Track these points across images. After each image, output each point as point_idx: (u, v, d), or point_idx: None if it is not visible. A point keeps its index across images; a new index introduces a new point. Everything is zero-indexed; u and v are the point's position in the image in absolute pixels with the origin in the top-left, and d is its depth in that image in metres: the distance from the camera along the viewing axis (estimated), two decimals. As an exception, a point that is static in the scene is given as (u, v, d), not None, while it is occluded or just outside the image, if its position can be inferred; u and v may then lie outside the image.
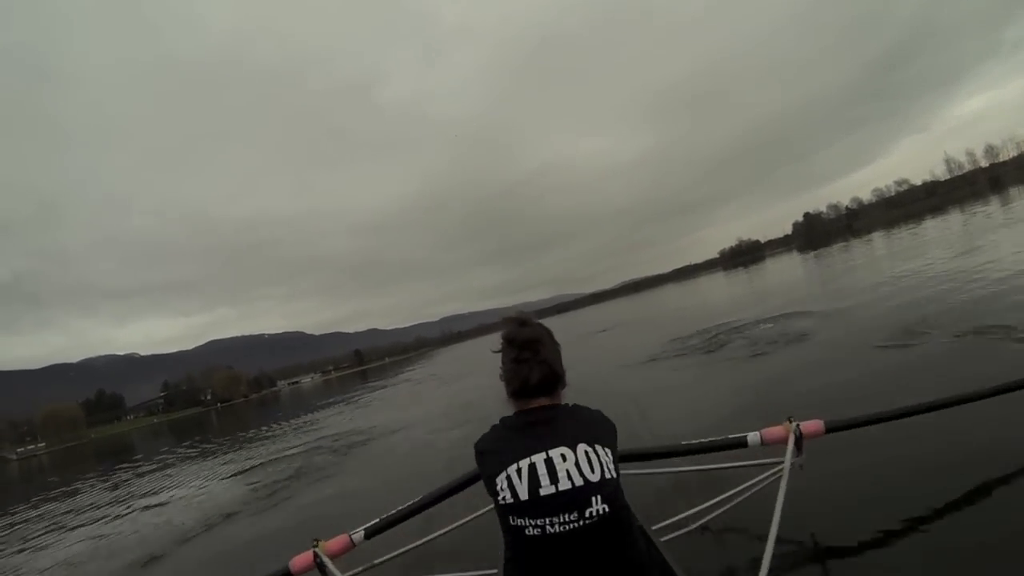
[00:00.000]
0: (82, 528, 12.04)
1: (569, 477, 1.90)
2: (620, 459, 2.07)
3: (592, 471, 1.91)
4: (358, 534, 3.23)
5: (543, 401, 2.10)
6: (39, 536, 12.26)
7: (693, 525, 3.54)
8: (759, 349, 11.12)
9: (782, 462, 3.08)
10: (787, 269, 42.33)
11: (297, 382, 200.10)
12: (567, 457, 1.92)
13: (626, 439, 2.19)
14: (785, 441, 3.11)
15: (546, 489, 1.89)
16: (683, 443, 3.36)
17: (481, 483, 2.20)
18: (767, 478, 3.27)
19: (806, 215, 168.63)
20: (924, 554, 3.13)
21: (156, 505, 12.30)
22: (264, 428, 27.12)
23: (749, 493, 3.37)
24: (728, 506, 3.48)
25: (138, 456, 29.69)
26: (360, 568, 3.35)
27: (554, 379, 2.11)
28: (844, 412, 3.46)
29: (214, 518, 9.25)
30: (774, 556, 2.41)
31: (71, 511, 14.76)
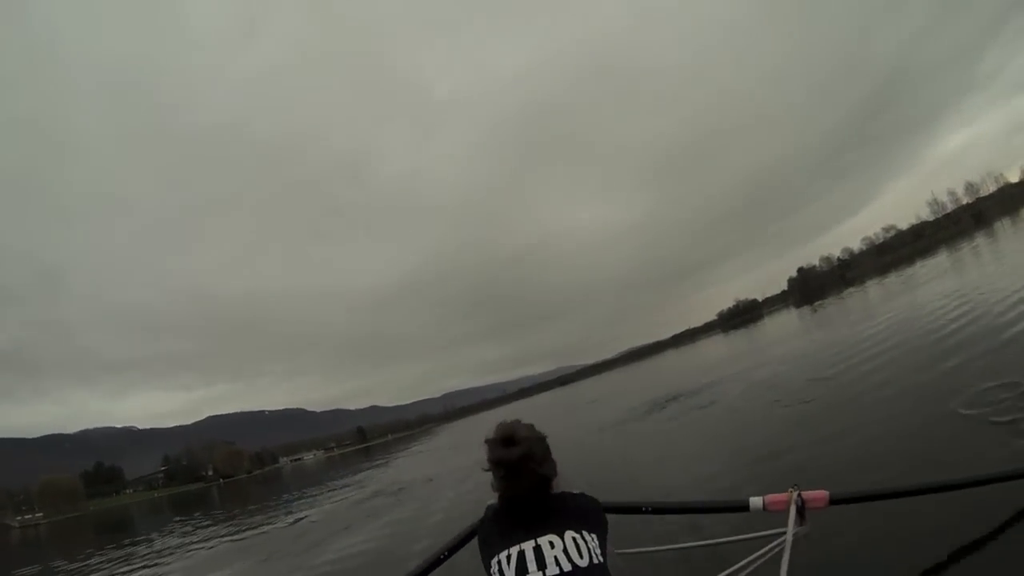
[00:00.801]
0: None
1: (557, 563, 1.99)
2: (617, 510, 2.30)
3: (580, 556, 2.00)
4: None
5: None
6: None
7: None
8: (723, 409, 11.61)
9: (784, 532, 2.98)
10: (783, 325, 43.36)
11: (300, 459, 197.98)
12: (555, 544, 2.03)
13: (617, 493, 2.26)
14: (786, 509, 3.05)
15: (533, 574, 1.99)
16: (682, 501, 3.54)
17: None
18: (770, 550, 3.09)
19: (800, 270, 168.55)
20: None
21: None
22: (272, 503, 27.95)
23: (754, 567, 3.16)
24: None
25: (144, 531, 30.37)
26: None
27: (545, 486, 2.19)
28: (848, 484, 3.67)
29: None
30: None
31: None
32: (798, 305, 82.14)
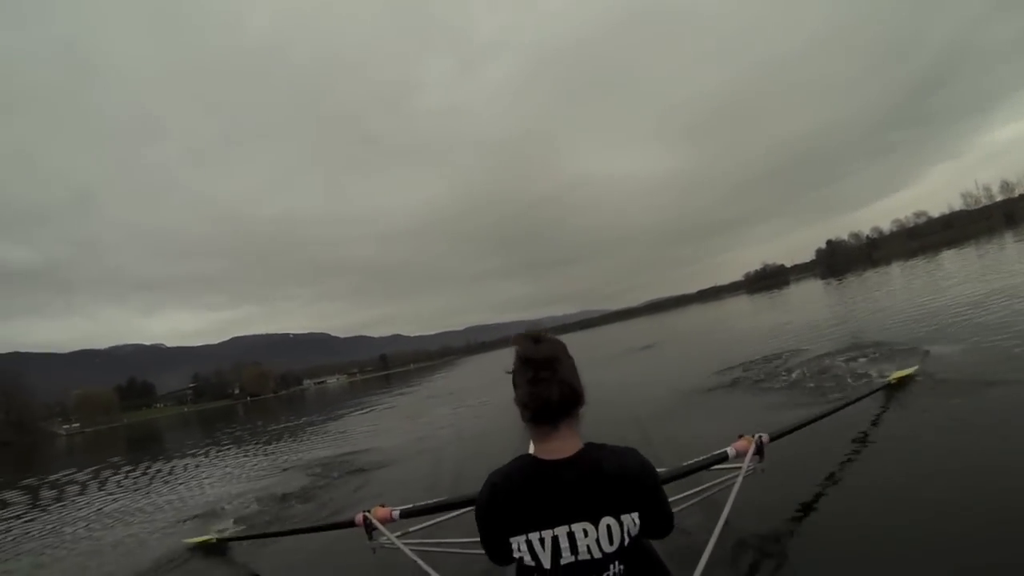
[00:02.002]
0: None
1: (589, 551, 1.93)
2: None
3: (611, 543, 1.94)
4: (397, 511, 4.05)
5: (563, 431, 2.02)
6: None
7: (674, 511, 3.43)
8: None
9: (740, 467, 3.64)
10: (807, 294, 43.88)
11: (323, 382, 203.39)
12: (588, 532, 1.93)
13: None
14: (747, 451, 3.77)
15: (567, 559, 1.94)
16: (684, 464, 3.88)
17: None
18: (730, 479, 3.72)
19: (828, 242, 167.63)
20: (845, 534, 4.10)
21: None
22: (296, 418, 30.16)
23: (712, 492, 3.87)
24: (698, 499, 3.89)
25: (181, 441, 31.81)
26: (398, 533, 3.82)
27: (575, 399, 2.03)
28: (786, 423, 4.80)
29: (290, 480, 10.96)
30: (717, 544, 2.68)
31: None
32: (823, 277, 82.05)
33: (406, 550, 3.38)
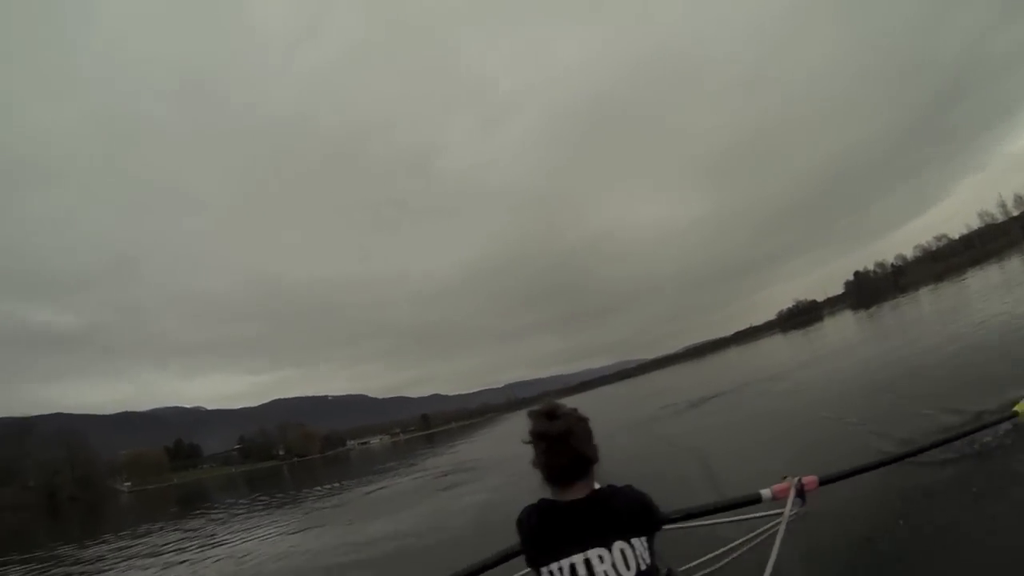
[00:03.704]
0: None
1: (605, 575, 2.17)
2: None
3: (627, 568, 2.18)
4: None
5: (579, 489, 2.31)
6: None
7: (711, 567, 3.79)
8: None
9: (781, 512, 3.44)
10: (840, 329, 44.56)
11: (367, 442, 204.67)
12: (604, 559, 2.17)
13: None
14: (788, 495, 3.47)
15: None
16: (711, 503, 3.66)
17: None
18: (770, 528, 3.56)
19: (856, 274, 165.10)
20: None
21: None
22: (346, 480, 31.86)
23: (754, 543, 3.66)
24: (738, 552, 3.74)
25: (233, 500, 33.56)
26: None
27: (587, 464, 2.31)
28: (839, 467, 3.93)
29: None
30: None
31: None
32: (854, 308, 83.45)
33: None
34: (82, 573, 14.93)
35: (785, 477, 3.55)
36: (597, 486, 2.41)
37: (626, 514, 2.30)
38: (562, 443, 2.27)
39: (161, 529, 22.49)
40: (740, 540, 3.76)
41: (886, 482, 5.66)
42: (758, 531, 3.69)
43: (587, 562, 2.19)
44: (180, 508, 33.67)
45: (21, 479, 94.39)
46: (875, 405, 10.86)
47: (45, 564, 17.19)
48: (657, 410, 25.49)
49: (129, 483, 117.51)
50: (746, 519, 3.78)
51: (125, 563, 14.77)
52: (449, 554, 9.61)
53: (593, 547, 2.21)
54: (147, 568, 13.57)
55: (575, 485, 2.33)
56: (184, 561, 13.97)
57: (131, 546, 18.41)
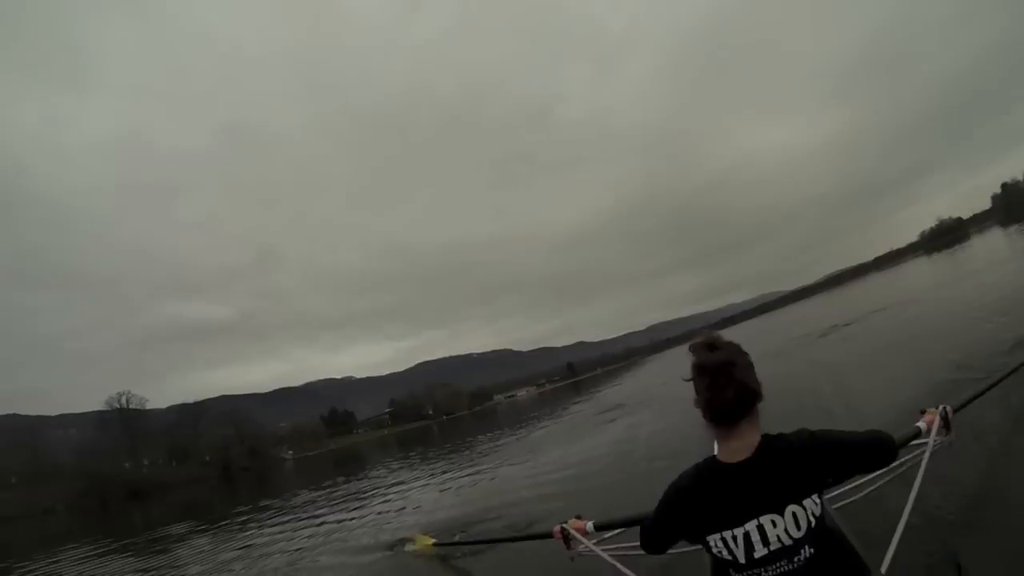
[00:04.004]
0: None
1: (780, 540, 2.13)
2: None
3: (799, 529, 2.13)
4: (590, 524, 4.13)
5: (745, 434, 2.20)
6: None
7: (861, 493, 3.78)
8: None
9: (927, 442, 3.40)
10: (990, 249, 43.01)
11: (513, 395, 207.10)
12: (776, 523, 2.12)
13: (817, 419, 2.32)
14: (933, 426, 3.47)
15: (760, 551, 2.15)
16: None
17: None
18: (915, 458, 3.51)
19: (1003, 186, 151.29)
20: None
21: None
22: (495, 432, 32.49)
23: (900, 471, 3.65)
24: (881, 482, 3.74)
25: (391, 461, 34.11)
26: (594, 541, 3.99)
27: (751, 397, 2.18)
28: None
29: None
30: (907, 523, 2.70)
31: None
32: (1004, 224, 79.60)
33: (605, 556, 3.63)
34: (290, 519, 16.32)
35: (924, 411, 3.58)
36: (762, 433, 2.27)
37: (800, 465, 2.18)
38: (726, 375, 2.14)
39: (332, 485, 24.28)
40: (883, 470, 3.32)
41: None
42: (900, 461, 3.55)
43: (760, 528, 2.14)
44: (340, 469, 35.27)
45: (199, 456, 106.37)
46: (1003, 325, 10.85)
47: (231, 523, 19.03)
48: (794, 340, 25.76)
49: (291, 452, 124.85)
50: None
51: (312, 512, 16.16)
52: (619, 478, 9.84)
53: (766, 513, 2.14)
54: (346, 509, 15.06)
55: (740, 427, 2.20)
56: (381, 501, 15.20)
57: (312, 499, 20.26)
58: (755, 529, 2.14)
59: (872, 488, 3.75)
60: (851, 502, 3.70)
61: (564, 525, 4.25)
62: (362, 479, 23.48)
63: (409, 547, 8.40)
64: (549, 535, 4.46)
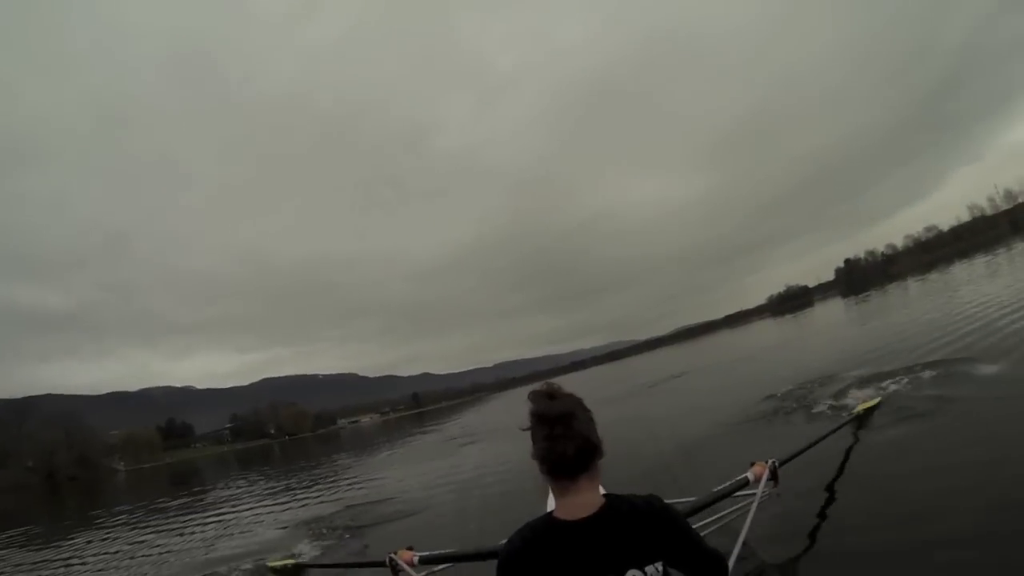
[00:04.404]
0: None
1: None
2: None
3: None
4: (417, 556, 4.35)
5: (584, 491, 2.00)
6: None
7: None
8: None
9: (755, 493, 3.79)
10: (828, 316, 45.73)
11: (357, 421, 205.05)
12: None
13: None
14: (762, 477, 3.96)
15: None
16: (712, 492, 3.99)
17: None
18: (742, 508, 3.85)
19: (846, 261, 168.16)
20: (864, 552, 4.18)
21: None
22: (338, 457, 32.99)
23: (730, 518, 3.97)
24: (711, 528, 3.89)
25: (228, 478, 33.80)
26: (421, 575, 4.07)
27: (591, 452, 2.01)
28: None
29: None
30: (733, 570, 2.67)
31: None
32: (845, 295, 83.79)
33: None
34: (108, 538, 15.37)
35: (754, 463, 4.17)
36: (602, 491, 2.11)
37: (643, 531, 1.99)
38: (565, 425, 1.98)
39: (168, 501, 23.38)
40: (713, 518, 4.05)
41: (838, 449, 6.44)
42: (729, 511, 4.05)
43: None
44: (178, 486, 34.06)
45: (20, 460, 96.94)
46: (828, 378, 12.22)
47: (49, 539, 17.81)
48: (633, 388, 28.51)
49: (123, 463, 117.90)
50: (725, 501, 4.15)
51: (139, 532, 15.41)
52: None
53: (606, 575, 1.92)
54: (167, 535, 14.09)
55: (579, 482, 2.01)
56: (199, 526, 14.75)
57: (146, 517, 19.10)
58: None
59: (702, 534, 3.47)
60: None
61: (393, 555, 4.43)
62: (200, 497, 23.12)
63: (272, 563, 8.22)
64: (382, 563, 4.57)
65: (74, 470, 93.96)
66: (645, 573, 1.91)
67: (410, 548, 4.57)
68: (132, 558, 11.90)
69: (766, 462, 4.10)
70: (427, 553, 4.46)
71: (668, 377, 29.37)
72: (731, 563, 2.55)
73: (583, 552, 1.93)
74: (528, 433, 2.09)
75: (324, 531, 10.61)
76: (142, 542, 13.57)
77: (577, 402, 2.08)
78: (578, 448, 1.96)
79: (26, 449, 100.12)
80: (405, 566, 4.31)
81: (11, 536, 19.60)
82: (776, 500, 4.13)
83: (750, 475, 4.03)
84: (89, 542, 15.00)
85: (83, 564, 12.31)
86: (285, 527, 12.22)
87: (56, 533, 18.72)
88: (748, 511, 3.61)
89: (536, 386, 2.17)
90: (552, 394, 2.07)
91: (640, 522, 1.99)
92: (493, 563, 2.16)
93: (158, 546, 12.64)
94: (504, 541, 2.22)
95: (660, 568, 1.94)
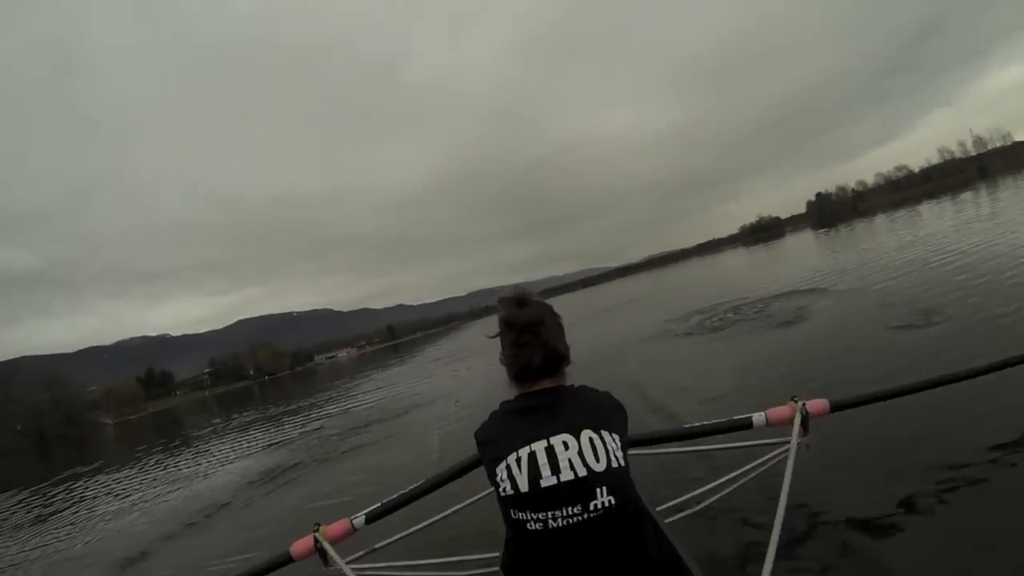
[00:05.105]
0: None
1: (572, 467, 1.79)
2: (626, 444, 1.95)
3: (597, 460, 1.81)
4: (359, 519, 3.10)
5: (546, 383, 1.99)
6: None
7: (698, 506, 3.49)
8: (770, 325, 11.24)
9: (788, 442, 2.99)
10: (802, 247, 43.97)
11: (334, 356, 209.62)
12: (569, 445, 1.82)
13: (632, 420, 2.07)
14: (791, 421, 3.04)
15: (547, 480, 1.79)
16: (687, 426, 3.28)
17: (482, 467, 2.06)
18: (773, 458, 3.16)
19: (818, 195, 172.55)
20: (932, 528, 3.33)
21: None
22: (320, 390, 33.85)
23: (755, 473, 3.30)
24: (734, 486, 3.42)
25: (211, 423, 33.26)
26: (361, 552, 3.15)
27: (557, 360, 2.00)
28: (852, 391, 3.39)
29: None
30: (782, 534, 2.28)
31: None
32: (815, 228, 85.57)
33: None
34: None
35: (794, 398, 3.13)
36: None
37: (600, 407, 1.99)
38: (532, 332, 1.98)
39: (162, 449, 23.58)
40: (740, 471, 3.41)
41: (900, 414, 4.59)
42: (759, 461, 3.32)
43: (549, 449, 1.83)
44: (169, 434, 33.58)
45: (9, 426, 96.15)
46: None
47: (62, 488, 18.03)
48: (592, 312, 31.84)
49: (110, 417, 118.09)
50: (742, 446, 3.44)
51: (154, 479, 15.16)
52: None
53: (557, 433, 1.85)
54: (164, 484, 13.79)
55: (542, 383, 2.01)
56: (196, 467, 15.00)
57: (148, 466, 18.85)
58: (543, 449, 1.83)
59: (730, 489, 3.44)
60: (706, 506, 3.52)
61: (315, 534, 2.95)
62: (189, 445, 22.70)
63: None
64: (287, 560, 2.99)
65: (63, 429, 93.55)
66: (600, 436, 1.85)
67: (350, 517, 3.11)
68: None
69: (795, 401, 3.10)
70: (374, 506, 3.13)
71: (627, 302, 33.33)
72: (777, 525, 2.30)
73: (537, 412, 1.93)
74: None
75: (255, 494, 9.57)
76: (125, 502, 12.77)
77: (546, 309, 2.09)
78: (544, 356, 1.97)
79: (12, 413, 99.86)
80: (330, 548, 2.89)
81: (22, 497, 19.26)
82: (805, 453, 3.01)
83: (762, 417, 3.11)
84: (91, 495, 15.27)
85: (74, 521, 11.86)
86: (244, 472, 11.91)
87: (58, 487, 18.96)
88: (785, 467, 2.80)
89: (506, 292, 2.16)
90: (521, 300, 2.08)
91: (597, 400, 2.02)
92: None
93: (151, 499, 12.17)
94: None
95: (618, 441, 1.90)
